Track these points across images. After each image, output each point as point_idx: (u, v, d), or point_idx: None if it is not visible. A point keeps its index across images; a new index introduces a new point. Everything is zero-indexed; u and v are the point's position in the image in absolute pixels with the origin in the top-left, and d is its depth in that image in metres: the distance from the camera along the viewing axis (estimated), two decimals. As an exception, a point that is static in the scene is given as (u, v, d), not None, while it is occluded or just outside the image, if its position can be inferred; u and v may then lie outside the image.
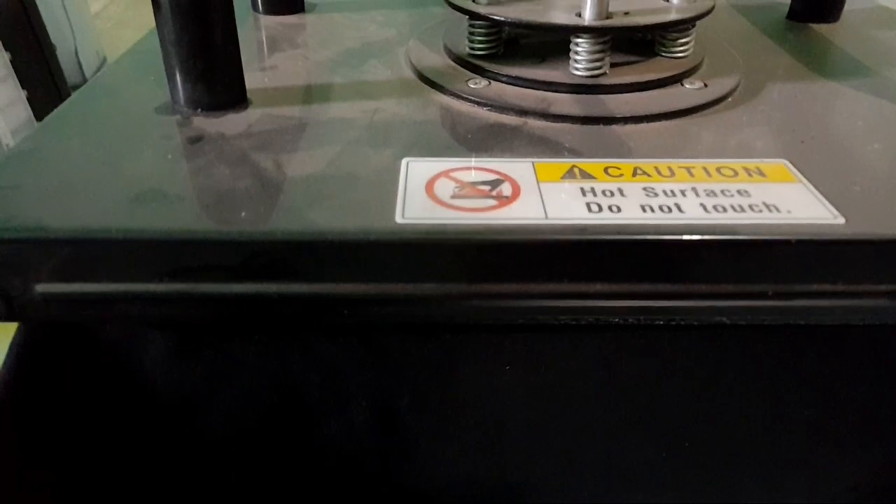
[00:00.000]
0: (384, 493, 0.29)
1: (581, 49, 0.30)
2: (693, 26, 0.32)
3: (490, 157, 0.26)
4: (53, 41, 0.94)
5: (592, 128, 0.28)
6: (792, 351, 0.25)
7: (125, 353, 0.26)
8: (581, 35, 0.30)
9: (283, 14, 0.41)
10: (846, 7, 0.43)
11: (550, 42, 0.33)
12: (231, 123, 0.28)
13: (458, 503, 0.29)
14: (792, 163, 0.25)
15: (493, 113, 0.29)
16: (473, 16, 0.31)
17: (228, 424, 0.27)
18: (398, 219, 0.22)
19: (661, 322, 0.23)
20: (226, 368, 0.26)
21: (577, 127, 0.28)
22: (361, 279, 0.22)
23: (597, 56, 0.30)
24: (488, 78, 0.31)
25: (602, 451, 0.28)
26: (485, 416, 0.27)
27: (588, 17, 0.29)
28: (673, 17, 0.30)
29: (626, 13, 0.30)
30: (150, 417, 0.27)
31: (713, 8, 0.32)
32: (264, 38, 0.37)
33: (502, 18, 0.30)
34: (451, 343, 0.25)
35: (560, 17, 0.30)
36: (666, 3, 0.32)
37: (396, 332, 0.24)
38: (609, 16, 0.29)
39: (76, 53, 1.09)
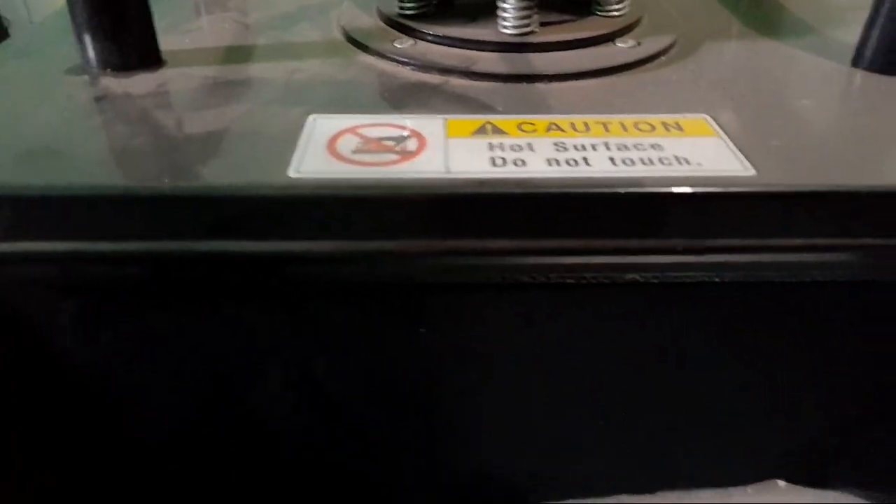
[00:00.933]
0: (315, 468, 0.29)
1: (508, 6, 0.29)
2: (627, -16, 0.31)
3: (403, 114, 0.25)
4: (4, 13, 0.93)
5: (516, 86, 0.27)
6: (714, 309, 0.24)
7: (29, 320, 0.25)
8: (507, -9, 0.29)
9: (220, -21, 0.40)
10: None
11: (483, 2, 0.32)
12: (139, 83, 0.27)
13: (391, 476, 0.29)
14: (714, 118, 0.25)
15: (415, 72, 0.28)
16: (400, -26, 0.30)
17: (146, 397, 0.27)
18: (291, 173, 0.21)
19: (572, 280, 0.23)
20: (138, 336, 0.26)
21: (499, 85, 0.27)
22: (255, 236, 0.21)
23: (524, 14, 0.29)
24: (415, 38, 0.30)
25: (528, 418, 0.28)
26: (410, 381, 0.26)
27: (513, -28, 0.28)
28: (600, -29, 0.29)
29: (554, -31, 0.29)
30: (61, 391, 0.27)
31: (647, -36, 0.31)
32: (194, 2, 0.36)
33: (427, -25, 0.29)
34: (365, 304, 0.24)
35: (485, -27, 0.29)
36: (599, -40, 0.31)
37: (310, 293, 0.24)
38: (535, -29, 0.29)
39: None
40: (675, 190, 0.21)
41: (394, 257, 0.21)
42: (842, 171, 0.22)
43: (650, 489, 0.31)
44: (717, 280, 0.23)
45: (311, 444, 0.28)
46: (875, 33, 0.28)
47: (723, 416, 0.28)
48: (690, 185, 0.21)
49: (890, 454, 0.30)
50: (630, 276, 0.23)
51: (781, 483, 0.32)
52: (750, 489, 0.33)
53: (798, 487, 0.32)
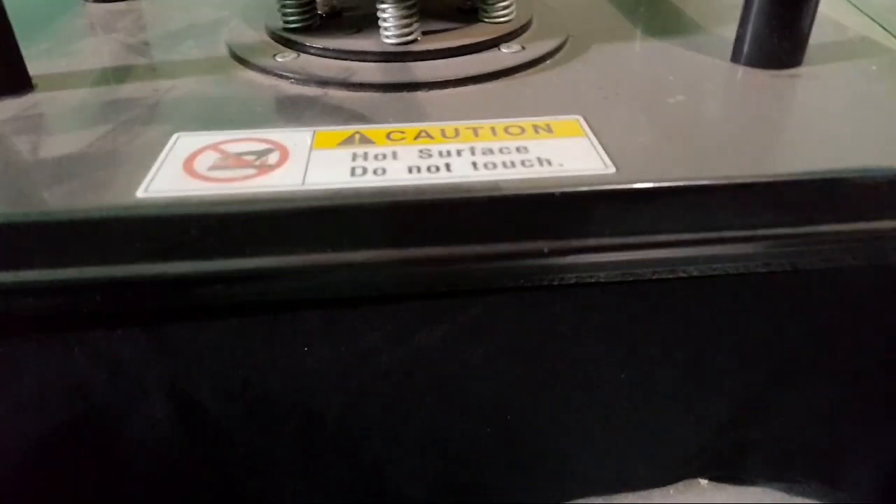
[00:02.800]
0: (201, 496, 0.28)
1: (388, 16, 0.29)
2: (509, -11, 0.31)
3: (273, 128, 0.24)
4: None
5: (394, 95, 0.27)
6: (592, 309, 0.24)
7: None
8: (384, 1, 0.28)
9: (114, 0, 0.39)
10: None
11: (367, 15, 0.31)
12: (3, 109, 0.26)
13: (279, 498, 0.28)
14: (586, 119, 0.25)
15: (295, 85, 0.28)
16: (279, -13, 0.30)
17: (16, 434, 0.26)
18: (139, 193, 0.20)
19: (444, 289, 0.22)
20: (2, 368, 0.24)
21: (378, 95, 0.27)
22: (107, 260, 0.20)
23: (405, 23, 0.29)
24: (298, 51, 0.30)
25: (426, 435, 0.27)
26: (286, 398, 0.26)
27: (388, -19, 0.28)
28: (476, -22, 0.29)
29: (431, -24, 0.29)
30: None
31: (527, -30, 0.31)
32: (83, 25, 0.35)
33: (304, -12, 0.29)
34: (236, 324, 0.23)
35: (361, -17, 0.29)
36: (480, -33, 0.31)
37: (170, 316, 0.23)
38: (411, -21, 0.28)
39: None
40: (531, 191, 0.21)
41: (248, 274, 0.21)
42: (702, 163, 0.22)
43: (564, 496, 0.31)
44: (591, 280, 0.23)
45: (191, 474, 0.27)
46: (748, 29, 0.28)
47: (625, 418, 0.28)
48: (547, 186, 0.21)
49: (798, 440, 0.30)
50: (503, 281, 0.22)
51: (703, 481, 0.32)
52: (672, 489, 0.32)
53: (720, 485, 0.32)
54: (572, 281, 0.23)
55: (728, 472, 0.32)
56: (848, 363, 0.26)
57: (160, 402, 0.25)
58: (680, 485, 0.32)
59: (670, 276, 0.23)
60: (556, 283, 0.23)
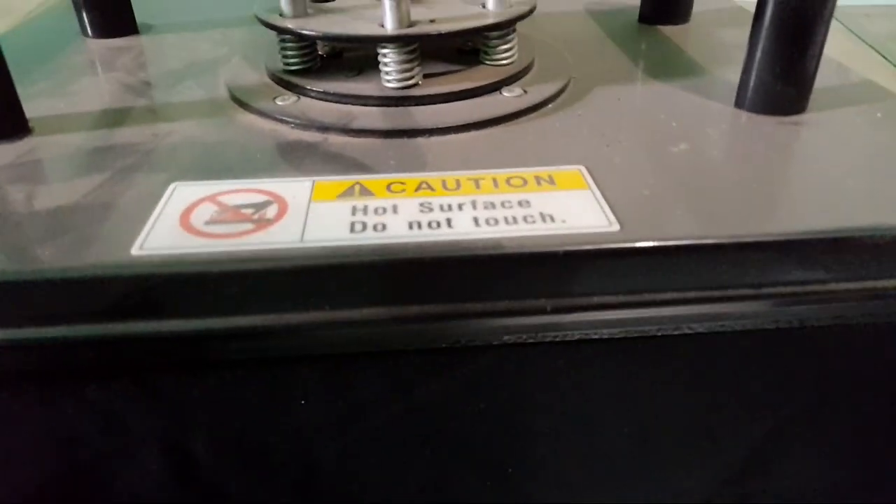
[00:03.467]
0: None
1: (388, 60, 0.29)
2: (512, 31, 0.31)
3: (272, 177, 0.24)
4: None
5: (395, 141, 0.27)
6: (597, 365, 0.24)
7: None
8: (385, 45, 0.28)
9: (113, 37, 0.39)
10: (701, 7, 0.42)
11: (368, 56, 0.31)
12: (-3, 155, 0.25)
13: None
14: (589, 169, 0.24)
15: (295, 130, 0.28)
16: (280, 30, 0.30)
17: (8, 486, 0.25)
18: (134, 251, 0.20)
19: (445, 345, 0.22)
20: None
21: (379, 141, 0.27)
22: (103, 318, 0.20)
23: (405, 66, 0.29)
24: (298, 94, 0.30)
25: (424, 489, 0.26)
26: (289, 453, 0.25)
27: (389, 26, 0.28)
28: (478, 22, 0.29)
29: (432, 21, 0.29)
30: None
31: (530, 12, 0.30)
32: (82, 62, 0.35)
33: (306, 32, 0.29)
34: (231, 379, 0.23)
35: (363, 28, 0.28)
36: (482, 10, 0.30)
37: (163, 372, 0.22)
38: (412, 24, 0.28)
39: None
40: (534, 251, 0.20)
41: (248, 333, 0.20)
42: (708, 220, 0.22)
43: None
44: (595, 337, 0.22)
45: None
46: (752, 75, 0.28)
47: (627, 472, 0.27)
48: (550, 245, 0.20)
49: (800, 494, 0.29)
50: (505, 338, 0.22)
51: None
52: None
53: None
54: (575, 338, 0.22)
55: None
56: (853, 420, 0.26)
57: (154, 455, 0.25)
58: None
59: (675, 332, 0.22)
60: (558, 339, 0.22)
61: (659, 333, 0.22)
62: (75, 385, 0.22)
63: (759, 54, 0.27)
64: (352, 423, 0.24)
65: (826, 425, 0.26)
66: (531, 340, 0.22)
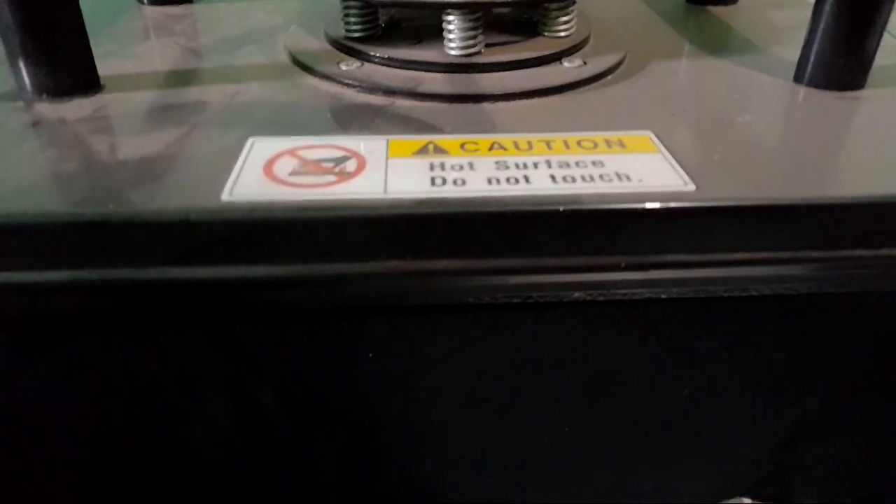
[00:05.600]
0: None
1: (453, 27, 0.29)
2: (572, 2, 0.31)
3: (346, 135, 0.24)
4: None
5: (460, 106, 0.27)
6: (662, 326, 0.24)
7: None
8: (450, 12, 0.29)
9: (169, 4, 0.39)
10: (747, -10, 0.43)
11: (429, 24, 0.32)
12: (75, 108, 0.26)
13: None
14: (657, 134, 0.25)
15: (360, 94, 0.28)
16: (345, -4, 0.30)
17: (81, 435, 0.26)
18: (224, 197, 0.20)
19: (518, 300, 0.22)
20: (69, 371, 0.25)
21: (445, 106, 0.27)
22: (189, 262, 0.20)
23: (469, 34, 0.29)
24: (361, 59, 0.30)
25: (487, 446, 0.27)
26: (354, 408, 0.26)
27: (456, -7, 0.28)
28: (544, -8, 0.29)
29: (497, -11, 0.29)
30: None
31: (591, -15, 0.31)
32: (141, 27, 0.36)
33: (374, -2, 0.29)
34: (303, 329, 0.23)
35: (429, -5, 0.29)
36: (544, -19, 0.31)
37: (244, 320, 0.23)
38: (479, -8, 0.29)
39: None
40: (615, 206, 0.21)
41: (332, 281, 0.21)
42: (780, 184, 0.22)
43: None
44: (663, 297, 0.23)
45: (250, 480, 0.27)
46: (813, 49, 0.28)
47: (681, 434, 0.28)
48: (630, 202, 0.21)
49: (848, 462, 0.29)
50: (576, 294, 0.22)
51: (746, 500, 0.32)
52: (713, 507, 0.32)
53: (764, 504, 0.32)
54: (644, 296, 0.23)
55: (773, 493, 0.32)
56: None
57: (223, 406, 0.25)
58: (724, 503, 0.32)
59: (741, 294, 0.23)
60: (627, 297, 0.23)
61: (725, 294, 0.23)
62: (152, 332, 0.23)
63: (821, 30, 0.28)
64: (415, 377, 0.24)
65: (878, 393, 0.27)
66: (601, 298, 0.22)
